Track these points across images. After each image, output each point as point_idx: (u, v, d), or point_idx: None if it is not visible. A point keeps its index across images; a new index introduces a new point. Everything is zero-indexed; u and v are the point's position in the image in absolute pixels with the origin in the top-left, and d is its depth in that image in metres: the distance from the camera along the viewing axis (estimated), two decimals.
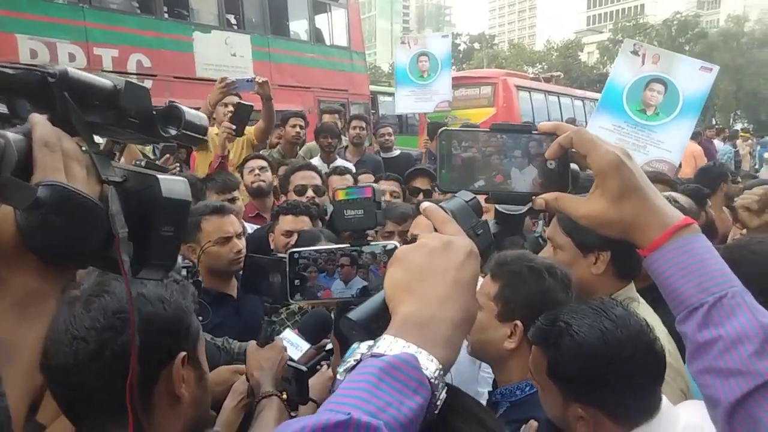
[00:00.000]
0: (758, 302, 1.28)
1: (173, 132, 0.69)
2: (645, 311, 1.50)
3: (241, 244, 2.43)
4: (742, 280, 1.42)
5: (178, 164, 3.78)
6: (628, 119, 4.15)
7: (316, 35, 11.47)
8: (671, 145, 4.05)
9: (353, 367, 0.60)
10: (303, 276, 0.95)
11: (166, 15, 8.74)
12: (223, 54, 9.29)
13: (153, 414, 0.94)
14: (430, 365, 0.59)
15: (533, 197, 0.80)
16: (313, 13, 11.24)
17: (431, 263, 0.67)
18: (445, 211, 0.75)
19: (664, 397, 1.23)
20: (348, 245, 0.94)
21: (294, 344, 1.67)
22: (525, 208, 0.83)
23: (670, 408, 1.22)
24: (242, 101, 4.00)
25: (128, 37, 8.01)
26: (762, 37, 42.55)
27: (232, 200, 3.23)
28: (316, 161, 5.24)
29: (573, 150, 0.79)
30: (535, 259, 1.57)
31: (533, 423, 1.36)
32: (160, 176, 0.67)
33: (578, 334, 1.15)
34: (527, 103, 13.51)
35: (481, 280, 1.99)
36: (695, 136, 10.77)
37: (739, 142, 14.58)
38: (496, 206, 0.84)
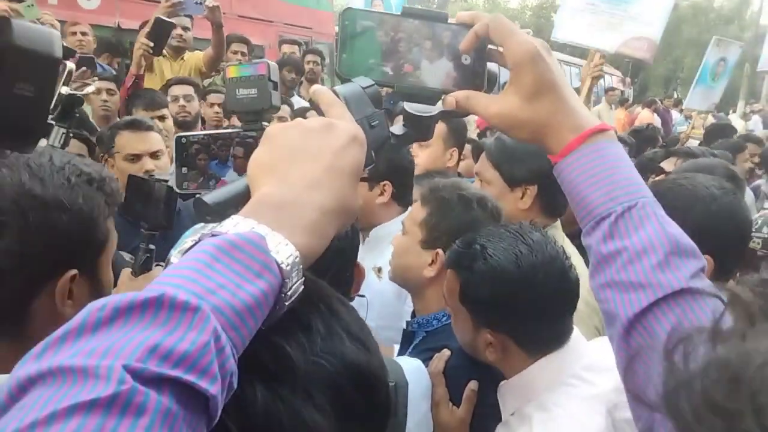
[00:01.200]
0: None
1: None
2: (567, 247, 1.47)
3: (152, 164, 2.24)
4: (666, 210, 1.42)
5: (96, 78, 3.49)
6: None
7: None
8: (651, 15, 3.55)
9: (190, 249, 0.50)
10: (193, 163, 0.85)
11: None
12: None
13: (29, 327, 0.83)
14: (283, 249, 0.50)
15: (444, 96, 0.72)
16: None
17: (305, 144, 0.58)
18: (337, 96, 0.66)
19: (576, 330, 1.22)
20: (240, 128, 0.84)
21: None
22: (436, 110, 0.73)
23: (580, 341, 1.21)
24: (163, 18, 3.64)
25: None
26: (729, 14, 43.14)
27: (162, 118, 3.06)
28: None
29: (491, 47, 0.71)
30: (469, 188, 1.52)
31: (446, 351, 1.34)
32: (16, 21, 0.55)
33: (492, 257, 1.10)
34: None
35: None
36: (650, 104, 10.92)
37: (694, 114, 15.00)
38: (404, 106, 0.75)
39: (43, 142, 1.37)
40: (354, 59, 0.72)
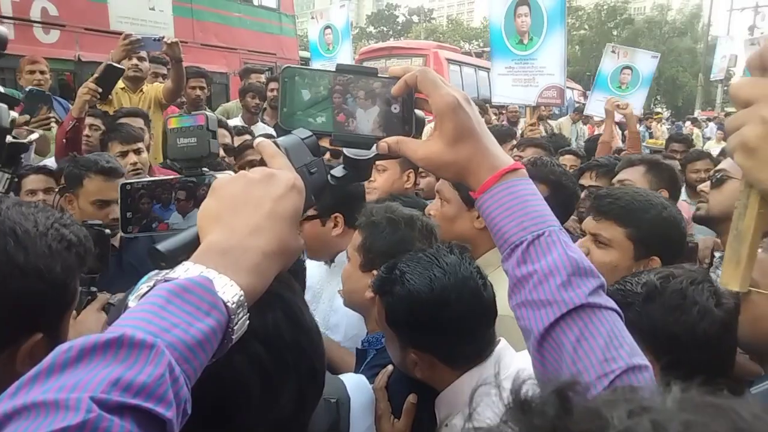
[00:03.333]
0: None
1: None
2: None
3: (117, 212, 2.28)
4: (620, 210, 1.66)
5: (54, 118, 3.46)
6: (513, 56, 4.41)
7: None
8: (552, 66, 4.28)
9: (146, 294, 0.57)
10: (137, 207, 0.92)
11: None
12: (140, 7, 8.67)
13: None
14: (228, 290, 0.58)
15: (377, 141, 0.80)
16: None
17: (247, 194, 0.66)
18: (278, 147, 0.74)
19: (503, 342, 1.32)
20: (182, 176, 0.92)
21: None
22: (372, 153, 0.82)
23: (506, 353, 1.30)
24: (114, 64, 3.58)
25: None
26: (681, 27, 44.81)
27: (138, 151, 3.11)
28: (236, 122, 5.12)
29: (417, 95, 0.79)
30: (398, 210, 1.62)
31: (389, 367, 1.43)
32: None
33: (409, 282, 1.20)
34: (457, 76, 13.62)
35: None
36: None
37: (654, 124, 15.65)
38: (344, 151, 0.83)
39: None
40: (294, 112, 0.79)
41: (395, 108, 0.80)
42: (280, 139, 0.77)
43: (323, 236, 2.06)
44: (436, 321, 1.20)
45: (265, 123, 5.37)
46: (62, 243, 0.88)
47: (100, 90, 3.38)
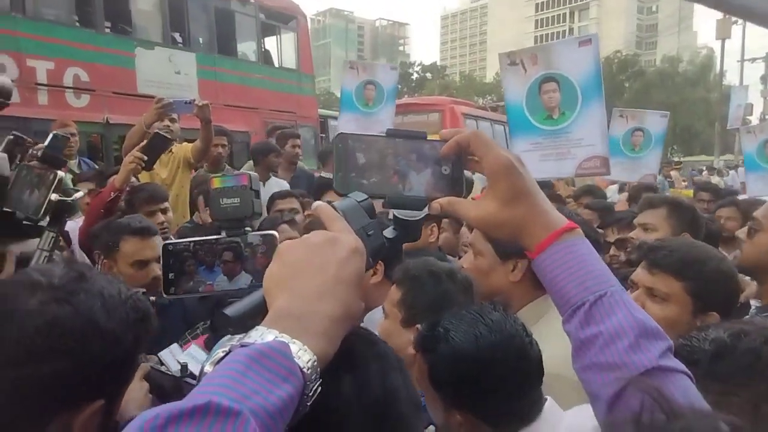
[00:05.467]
0: None
1: None
2: (557, 320, 1.54)
3: (158, 270, 2.28)
4: (677, 259, 1.68)
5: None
6: (540, 132, 3.99)
7: (265, 57, 11.49)
8: (592, 137, 3.88)
9: (222, 359, 0.57)
10: (181, 269, 0.92)
11: (107, 30, 8.57)
12: (166, 71, 9.17)
13: None
14: (303, 355, 0.58)
15: (429, 202, 0.80)
16: (261, 35, 11.26)
17: (311, 258, 0.67)
18: (336, 210, 0.75)
19: (550, 401, 1.25)
20: (224, 236, 0.92)
21: (197, 359, 1.63)
22: (422, 214, 0.82)
23: (554, 413, 1.23)
24: (162, 133, 3.42)
25: (65, 50, 7.74)
26: (693, 78, 45.42)
27: (164, 211, 3.13)
28: None
29: (469, 156, 0.80)
30: (437, 264, 1.61)
31: (431, 428, 1.36)
32: None
33: (453, 339, 1.16)
34: None
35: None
36: None
37: (674, 173, 15.65)
38: (394, 212, 0.83)
39: (33, 244, 1.44)
40: (348, 176, 0.80)
41: (445, 169, 0.81)
42: (336, 203, 0.78)
43: None
44: (482, 380, 1.15)
45: (276, 177, 5.47)
46: (137, 314, 0.90)
47: (145, 158, 3.13)
